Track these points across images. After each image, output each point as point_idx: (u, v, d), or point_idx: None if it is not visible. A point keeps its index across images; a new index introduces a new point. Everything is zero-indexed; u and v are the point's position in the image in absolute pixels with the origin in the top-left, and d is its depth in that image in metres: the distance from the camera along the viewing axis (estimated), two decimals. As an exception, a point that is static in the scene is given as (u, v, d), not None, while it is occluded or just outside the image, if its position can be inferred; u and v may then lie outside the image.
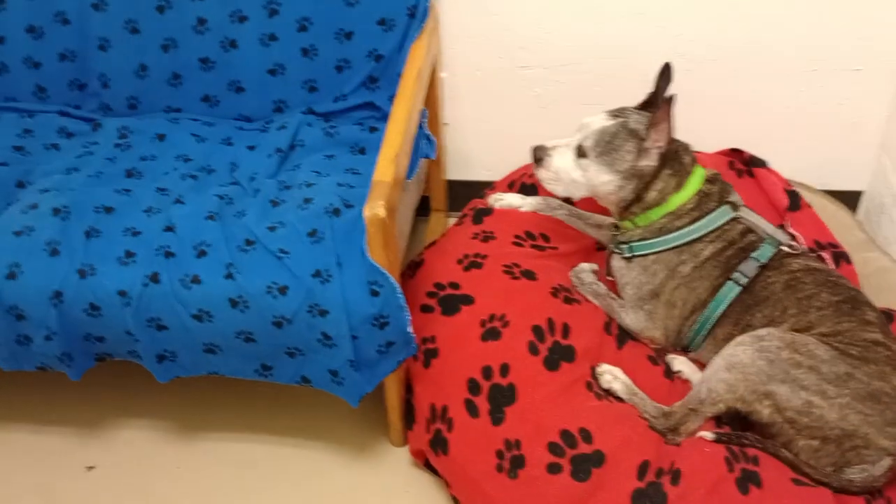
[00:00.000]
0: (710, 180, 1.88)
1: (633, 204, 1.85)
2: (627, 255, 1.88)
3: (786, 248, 1.84)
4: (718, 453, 1.66)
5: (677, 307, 1.86)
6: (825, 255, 2.09)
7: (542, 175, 1.85)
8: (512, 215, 2.15)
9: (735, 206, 1.87)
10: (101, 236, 1.76)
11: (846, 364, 1.64)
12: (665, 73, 1.80)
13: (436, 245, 2.13)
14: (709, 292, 1.83)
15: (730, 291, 1.81)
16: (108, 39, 2.13)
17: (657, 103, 1.79)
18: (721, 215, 1.85)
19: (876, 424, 1.62)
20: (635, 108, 1.84)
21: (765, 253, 1.82)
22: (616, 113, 1.81)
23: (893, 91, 2.22)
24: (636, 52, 2.23)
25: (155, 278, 1.69)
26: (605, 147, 1.77)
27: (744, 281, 1.80)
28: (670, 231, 1.84)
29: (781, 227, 2.05)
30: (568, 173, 1.83)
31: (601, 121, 1.79)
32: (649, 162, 1.78)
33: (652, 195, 1.83)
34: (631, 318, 1.90)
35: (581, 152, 1.79)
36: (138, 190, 1.90)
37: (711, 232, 1.83)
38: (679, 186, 1.83)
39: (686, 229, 1.84)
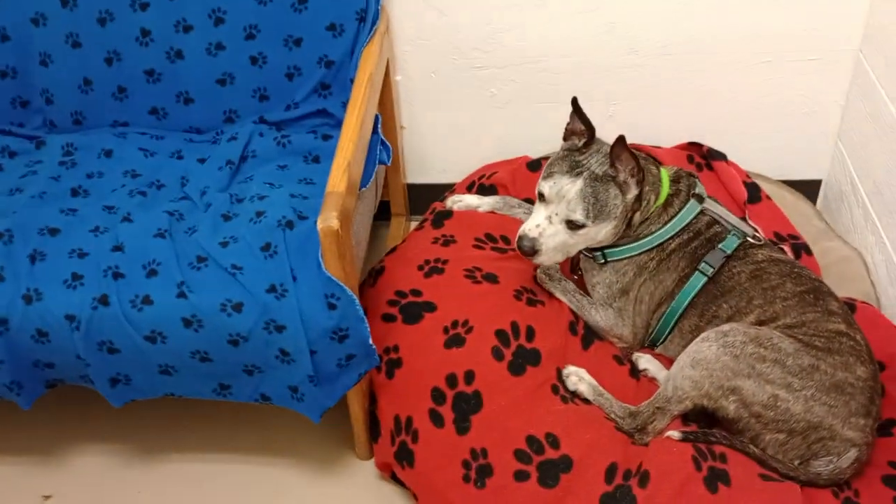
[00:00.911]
0: (674, 179, 1.89)
1: (625, 231, 1.85)
2: (601, 261, 1.88)
3: (750, 240, 1.85)
4: (686, 452, 1.65)
5: (645, 302, 1.87)
6: (785, 247, 2.09)
7: (541, 261, 1.79)
8: (472, 217, 2.14)
9: (701, 199, 1.88)
10: (46, 259, 1.71)
11: (810, 356, 1.64)
12: (576, 106, 1.80)
13: (396, 251, 2.10)
14: (676, 283, 1.84)
15: (697, 282, 1.82)
16: (49, 54, 2.08)
17: (591, 131, 1.80)
18: (690, 211, 1.86)
19: (841, 416, 1.63)
20: (578, 149, 1.81)
21: (730, 244, 1.83)
22: (574, 167, 1.76)
23: (848, 79, 2.23)
24: (589, 48, 2.22)
25: (104, 300, 1.65)
26: (595, 208, 1.75)
27: (710, 271, 1.81)
28: (645, 236, 1.85)
29: (744, 219, 2.06)
30: (567, 246, 1.80)
31: (570, 185, 1.74)
32: (633, 192, 1.78)
33: (638, 216, 1.84)
34: (601, 316, 1.90)
35: (574, 225, 1.76)
36: (84, 209, 1.85)
37: (682, 227, 1.85)
38: (658, 196, 1.84)
39: (659, 232, 1.85)
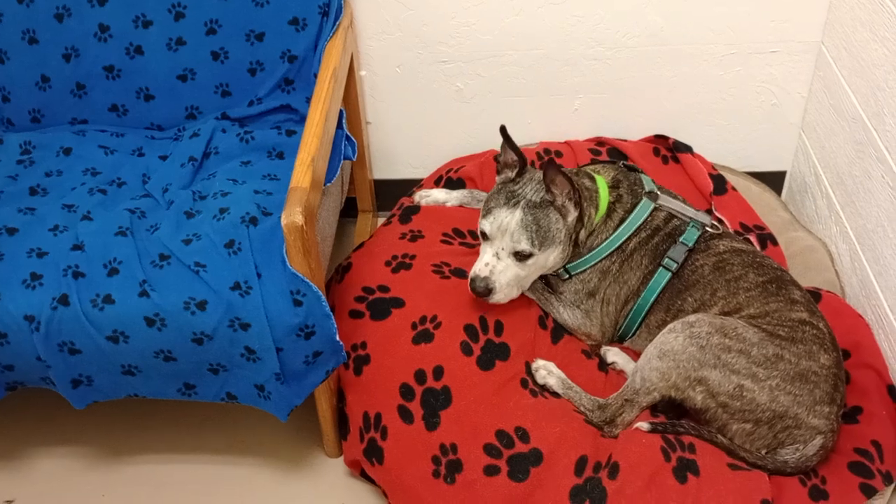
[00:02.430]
0: (613, 185, 1.88)
1: (574, 250, 1.85)
2: (565, 277, 1.88)
3: (709, 229, 1.86)
4: (655, 444, 1.67)
5: (612, 303, 1.88)
6: (751, 237, 2.11)
7: (498, 300, 1.78)
8: (440, 212, 2.13)
9: (653, 196, 1.88)
10: (3, 259, 1.67)
11: (774, 345, 1.66)
12: (506, 135, 1.79)
13: (363, 247, 2.09)
14: (641, 281, 1.84)
15: (661, 278, 1.82)
16: (5, 51, 2.04)
17: (523, 160, 1.80)
18: (642, 211, 1.86)
19: (806, 404, 1.64)
20: (511, 180, 1.81)
21: (690, 236, 1.84)
22: (510, 198, 1.76)
23: (811, 71, 2.24)
24: (554, 41, 2.22)
25: (64, 300, 1.62)
26: (539, 235, 1.75)
27: (674, 266, 1.82)
28: (598, 245, 1.85)
29: (709, 210, 2.06)
30: (520, 279, 1.79)
31: (509, 217, 1.74)
32: (572, 215, 1.79)
33: (584, 233, 1.84)
34: (568, 315, 1.90)
35: (522, 256, 1.75)
36: (43, 208, 1.81)
37: (637, 227, 1.85)
38: (598, 209, 1.84)
39: (610, 239, 1.85)
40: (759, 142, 2.39)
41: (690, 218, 1.87)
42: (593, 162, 2.06)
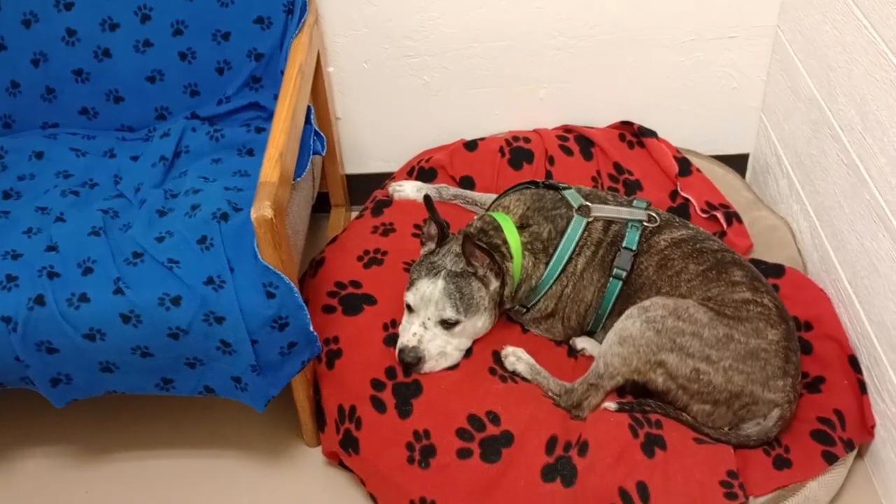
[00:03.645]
0: (522, 224, 1.88)
1: (514, 299, 1.87)
2: (522, 311, 1.91)
3: (647, 224, 1.87)
4: (623, 422, 1.71)
5: (572, 318, 1.91)
6: (718, 214, 2.15)
7: (430, 368, 1.78)
8: (411, 205, 2.17)
9: (585, 210, 1.87)
10: (-22, 262, 1.69)
11: (724, 325, 1.69)
12: (429, 203, 1.82)
13: (336, 241, 2.12)
14: (595, 295, 1.87)
15: (614, 287, 1.84)
16: (-27, 58, 2.06)
17: (442, 231, 1.82)
18: (575, 230, 1.86)
19: (759, 381, 1.68)
20: (432, 251, 1.83)
21: (632, 239, 1.84)
22: (430, 269, 1.78)
23: (768, 55, 2.29)
24: (518, 33, 2.25)
25: (40, 300, 1.64)
26: (463, 303, 1.76)
27: (623, 275, 1.83)
28: (540, 279, 1.87)
29: (675, 192, 2.07)
30: (450, 346, 1.80)
31: (432, 286, 1.76)
32: (494, 283, 1.80)
33: (508, 290, 1.84)
34: (532, 329, 1.95)
35: (448, 324, 1.77)
36: (17, 211, 1.84)
37: (574, 247, 1.85)
38: (512, 258, 1.84)
39: (549, 269, 1.85)
40: (722, 125, 2.43)
41: (627, 219, 1.87)
42: (507, 192, 2.01)
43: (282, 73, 1.96)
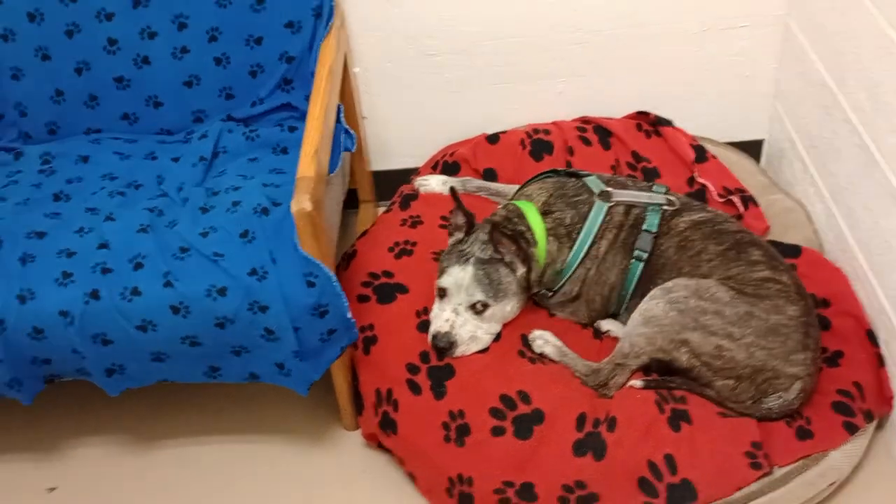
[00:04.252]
0: (546, 211, 1.93)
1: (539, 283, 1.92)
2: (550, 296, 1.96)
3: (667, 208, 1.91)
4: (649, 398, 1.77)
5: (596, 301, 1.96)
6: (735, 199, 2.20)
7: (462, 352, 1.84)
8: (437, 198, 2.22)
9: (606, 195, 1.92)
10: (36, 261, 1.77)
11: (745, 303, 1.74)
12: (455, 194, 1.88)
13: (367, 235, 2.18)
14: (618, 277, 1.92)
15: (636, 269, 1.89)
16: (20, 68, 2.13)
17: (469, 220, 1.88)
18: (597, 214, 1.91)
19: (780, 356, 1.73)
20: (461, 240, 1.88)
21: (652, 222, 1.89)
22: (459, 257, 1.84)
23: (779, 43, 2.33)
24: (535, 29, 2.31)
25: (95, 295, 1.72)
26: (492, 288, 1.82)
27: (645, 256, 1.88)
28: (564, 262, 1.92)
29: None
30: (480, 331, 1.85)
31: (462, 273, 1.82)
32: (521, 269, 1.86)
33: (535, 275, 1.90)
34: (557, 313, 2.00)
35: (478, 309, 1.83)
36: (67, 212, 1.91)
37: (597, 231, 1.90)
38: (537, 244, 1.89)
39: (573, 253, 1.91)
40: (736, 113, 2.47)
41: (647, 203, 1.92)
42: (530, 182, 2.05)
43: (311, 74, 2.03)
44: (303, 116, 1.98)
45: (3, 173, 2.08)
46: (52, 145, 2.15)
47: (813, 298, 1.91)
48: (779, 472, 1.71)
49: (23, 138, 2.20)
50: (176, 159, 2.08)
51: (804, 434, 1.76)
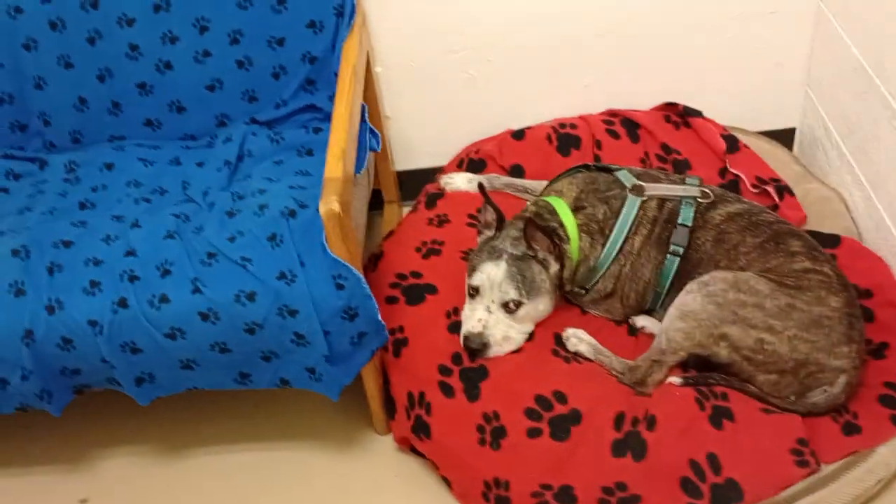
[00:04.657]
0: (577, 207, 1.90)
1: (573, 279, 1.89)
2: (583, 294, 1.93)
3: (701, 201, 1.87)
4: (689, 395, 1.73)
5: (631, 297, 1.92)
6: (769, 189, 2.16)
7: (495, 353, 1.81)
8: (463, 196, 2.20)
9: (639, 189, 1.89)
10: (63, 270, 1.77)
11: (785, 295, 1.70)
12: (483, 191, 1.85)
13: (394, 235, 2.16)
14: (654, 273, 1.88)
15: (672, 264, 1.85)
16: (43, 77, 2.13)
17: (500, 217, 1.85)
18: (630, 209, 1.87)
19: (824, 349, 1.69)
20: (491, 237, 1.85)
21: (687, 215, 1.86)
22: (491, 253, 1.81)
23: (811, 28, 2.29)
24: (559, 21, 2.28)
25: (123, 303, 1.71)
26: (525, 285, 1.79)
27: (681, 251, 1.84)
28: (598, 259, 1.89)
29: (724, 169, 2.06)
30: (513, 331, 1.82)
31: (495, 269, 1.79)
32: (554, 266, 1.83)
33: (568, 272, 1.87)
34: (591, 311, 1.97)
35: (510, 308, 1.80)
36: (94, 220, 1.90)
37: (630, 227, 1.87)
38: (570, 240, 1.86)
39: (606, 250, 1.87)
40: (767, 101, 2.43)
41: (681, 196, 1.88)
42: (559, 177, 2.03)
43: (335, 74, 2.02)
44: (327, 117, 1.97)
45: (29, 183, 2.08)
46: (76, 154, 2.14)
47: (855, 289, 1.85)
48: (826, 470, 1.67)
49: (47, 148, 2.20)
50: (200, 164, 2.07)
51: (851, 429, 1.72)
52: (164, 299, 1.71)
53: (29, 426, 2.09)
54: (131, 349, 1.73)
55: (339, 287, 1.69)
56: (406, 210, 2.38)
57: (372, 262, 2.10)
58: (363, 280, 1.70)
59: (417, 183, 2.39)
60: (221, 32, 2.10)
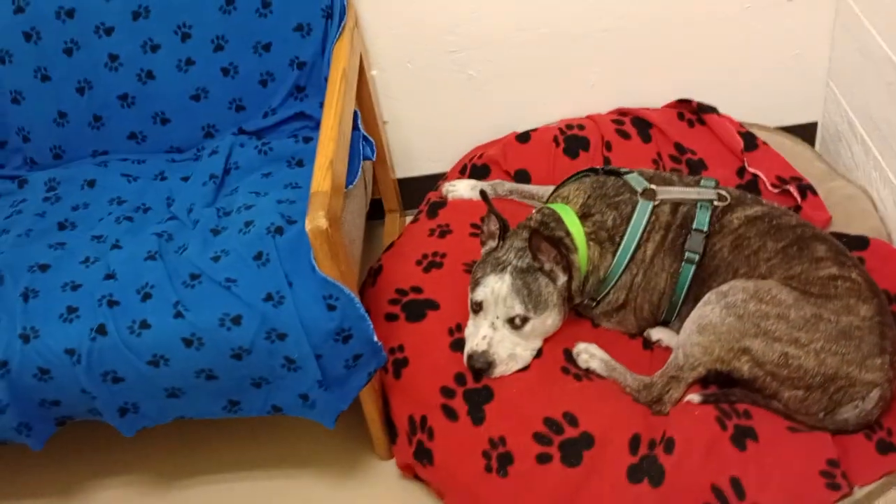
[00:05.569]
0: (584, 214, 1.82)
1: (583, 290, 1.81)
2: (594, 306, 1.85)
3: (717, 203, 1.79)
4: (709, 414, 1.64)
5: (644, 309, 1.84)
6: (791, 188, 2.07)
7: (501, 372, 1.72)
8: (466, 204, 2.13)
9: (650, 194, 1.81)
10: (39, 296, 1.71)
11: (811, 305, 1.62)
12: (486, 198, 1.77)
13: (393, 247, 2.10)
14: (668, 282, 1.80)
15: (687, 272, 1.77)
16: (20, 91, 2.08)
17: (503, 226, 1.77)
18: (641, 215, 1.79)
19: (855, 361, 1.60)
20: (494, 248, 1.77)
21: (702, 220, 1.77)
22: (495, 266, 1.73)
23: (831, 17, 2.20)
24: (561, 16, 2.20)
25: (102, 330, 1.64)
26: (532, 299, 1.71)
27: (696, 258, 1.76)
28: (608, 269, 1.81)
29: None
30: (519, 348, 1.74)
31: (499, 283, 1.70)
32: (562, 279, 1.74)
33: (576, 284, 1.78)
34: (602, 324, 1.89)
35: (517, 324, 1.71)
36: (73, 241, 1.85)
37: (642, 234, 1.79)
38: (577, 250, 1.78)
39: (617, 259, 1.80)
40: (786, 95, 2.35)
41: (696, 199, 1.80)
42: (565, 182, 1.95)
43: (325, 79, 1.96)
44: (317, 125, 1.90)
45: (7, 203, 2.02)
46: (57, 171, 2.09)
47: (886, 295, 1.76)
48: (859, 493, 1.56)
49: (28, 164, 2.15)
50: (186, 178, 2.02)
51: (886, 448, 1.62)
52: (144, 325, 1.64)
53: (19, 457, 2.03)
54: (112, 378, 1.66)
55: (331, 308, 1.61)
56: (408, 220, 2.30)
57: (371, 276, 2.03)
58: (356, 300, 1.63)
59: (419, 191, 2.33)
60: (204, 39, 2.04)
